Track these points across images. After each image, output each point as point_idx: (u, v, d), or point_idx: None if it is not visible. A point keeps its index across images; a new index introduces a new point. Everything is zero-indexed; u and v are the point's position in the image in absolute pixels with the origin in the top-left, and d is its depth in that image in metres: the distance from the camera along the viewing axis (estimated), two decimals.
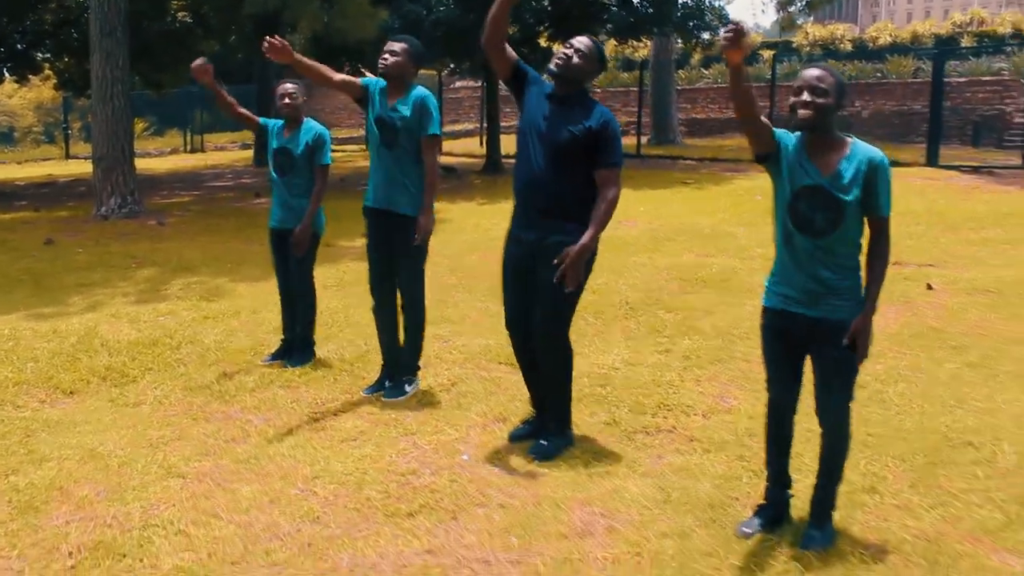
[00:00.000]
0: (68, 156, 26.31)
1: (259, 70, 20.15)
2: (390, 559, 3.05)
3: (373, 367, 5.02)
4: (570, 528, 3.25)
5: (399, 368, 4.73)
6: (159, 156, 26.57)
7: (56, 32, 17.21)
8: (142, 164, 20.80)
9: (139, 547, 3.14)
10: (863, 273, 3.02)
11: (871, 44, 31.43)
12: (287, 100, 5.15)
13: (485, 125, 19.58)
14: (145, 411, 4.58)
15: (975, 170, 15.91)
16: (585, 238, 3.69)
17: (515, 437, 4.06)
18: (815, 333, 3.01)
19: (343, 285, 7.44)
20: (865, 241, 3.03)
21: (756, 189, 13.32)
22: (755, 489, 3.47)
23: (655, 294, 6.88)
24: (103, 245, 9.96)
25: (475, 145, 24.02)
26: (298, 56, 4.35)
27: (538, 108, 3.84)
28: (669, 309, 6.43)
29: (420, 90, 4.51)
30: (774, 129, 3.02)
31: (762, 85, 25.08)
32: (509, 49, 3.90)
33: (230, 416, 4.47)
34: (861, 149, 2.95)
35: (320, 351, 5.46)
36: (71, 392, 4.89)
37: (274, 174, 5.27)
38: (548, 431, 3.98)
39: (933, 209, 11.24)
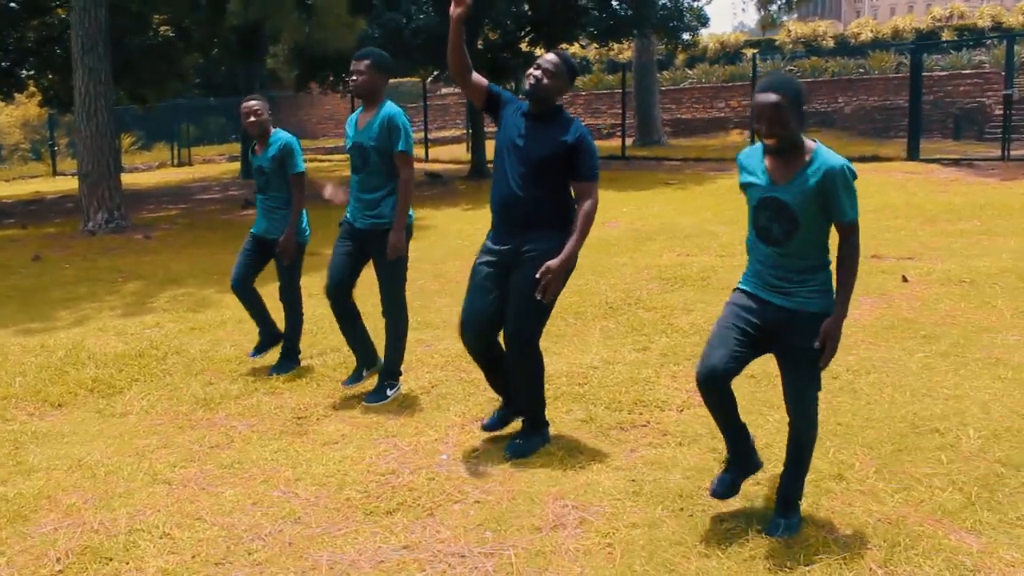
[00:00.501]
0: (55, 173, 26.36)
1: (244, 82, 20.21)
2: (368, 555, 3.15)
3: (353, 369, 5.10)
4: (543, 521, 3.35)
5: (381, 373, 4.83)
6: (147, 170, 26.63)
7: (39, 49, 17.28)
8: (130, 179, 20.88)
9: (125, 551, 3.23)
10: (834, 268, 3.08)
11: (853, 40, 31.67)
12: (252, 118, 5.17)
13: (470, 131, 19.70)
14: (132, 421, 4.66)
15: (955, 163, 16.09)
16: (566, 252, 3.77)
17: (488, 427, 4.18)
18: (785, 322, 3.05)
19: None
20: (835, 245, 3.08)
21: (737, 187, 13.44)
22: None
23: (635, 293, 6.98)
24: (90, 260, 10.04)
25: (461, 151, 24.14)
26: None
27: (513, 126, 3.93)
28: (648, 308, 6.53)
29: (389, 107, 4.59)
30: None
31: (743, 84, 25.33)
32: (477, 76, 4.02)
33: (215, 423, 4.56)
34: (821, 157, 2.97)
35: (305, 358, 5.55)
36: (59, 404, 4.97)
37: (257, 190, 5.41)
38: (523, 430, 4.08)
39: (912, 202, 11.38)
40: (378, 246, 4.61)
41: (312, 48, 12.79)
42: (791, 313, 3.05)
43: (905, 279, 7.01)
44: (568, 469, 3.81)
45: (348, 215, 4.76)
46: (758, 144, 3.15)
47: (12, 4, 16.89)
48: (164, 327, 6.60)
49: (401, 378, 4.93)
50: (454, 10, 3.84)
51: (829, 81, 26.25)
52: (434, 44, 15.70)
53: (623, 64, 26.94)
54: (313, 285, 7.90)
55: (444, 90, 32.18)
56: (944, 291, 6.63)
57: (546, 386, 4.82)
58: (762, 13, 24.56)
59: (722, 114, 27.09)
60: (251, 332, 6.31)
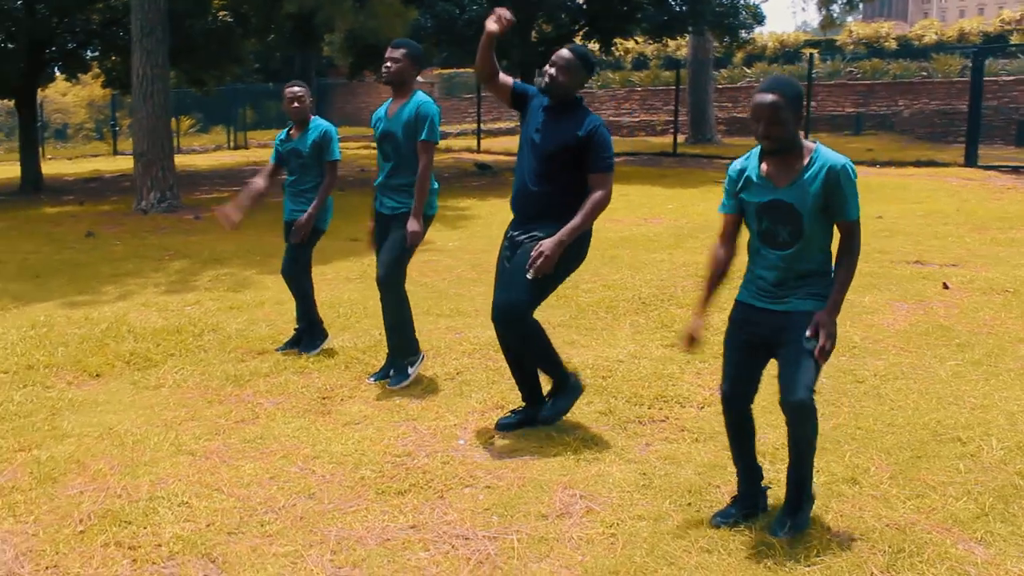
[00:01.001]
0: (116, 152, 27.03)
1: (299, 69, 20.50)
2: (375, 533, 3.22)
3: (384, 355, 5.18)
4: (550, 509, 3.39)
5: (397, 357, 4.88)
6: (203, 152, 27.15)
7: (103, 31, 17.73)
8: (186, 160, 21.37)
9: (144, 516, 3.35)
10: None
11: (916, 42, 30.99)
12: (295, 104, 5.31)
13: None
14: (164, 393, 4.81)
15: (1014, 170, 15.68)
16: (562, 231, 3.82)
17: (502, 426, 4.18)
18: (782, 326, 3.05)
19: (365, 278, 7.64)
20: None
21: None
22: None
23: (669, 290, 6.97)
24: (140, 238, 10.31)
25: (514, 143, 24.20)
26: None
27: (533, 121, 4.00)
28: (680, 305, 6.52)
29: (420, 96, 4.68)
30: (731, 214, 3.17)
31: (801, 84, 24.85)
32: (503, 77, 4.11)
33: (243, 399, 4.68)
34: (823, 156, 2.96)
35: (336, 340, 5.66)
36: (97, 375, 5.15)
37: (287, 174, 5.49)
38: (551, 391, 4.15)
39: (964, 209, 11.15)
40: (396, 222, 4.69)
41: (364, 36, 12.96)
42: (785, 315, 3.05)
43: (946, 286, 6.89)
44: (581, 460, 3.84)
45: (377, 205, 4.86)
46: (752, 151, 3.13)
47: None
48: (204, 304, 6.77)
49: (422, 352, 4.96)
50: (491, 26, 3.90)
51: (889, 83, 25.74)
52: None
53: (679, 61, 26.71)
54: (352, 270, 8.05)
55: None
56: (985, 300, 6.50)
57: None
58: (823, 13, 24.11)
59: None
60: (287, 314, 6.44)
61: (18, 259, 9.03)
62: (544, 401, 4.19)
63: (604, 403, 4.54)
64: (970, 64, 20.96)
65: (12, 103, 18.52)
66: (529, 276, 3.84)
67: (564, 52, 3.95)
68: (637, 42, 24.65)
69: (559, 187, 3.89)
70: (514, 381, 4.31)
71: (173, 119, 18.25)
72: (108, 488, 3.60)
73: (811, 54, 21.12)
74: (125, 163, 21.85)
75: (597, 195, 3.88)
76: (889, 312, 6.24)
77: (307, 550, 3.11)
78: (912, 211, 11.15)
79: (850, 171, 2.97)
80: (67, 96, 38.79)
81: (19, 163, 17.42)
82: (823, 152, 2.98)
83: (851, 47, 31.54)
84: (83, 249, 9.59)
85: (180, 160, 13.59)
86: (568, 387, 4.13)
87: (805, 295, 3.05)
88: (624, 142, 24.57)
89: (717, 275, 3.28)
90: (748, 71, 29.52)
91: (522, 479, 3.65)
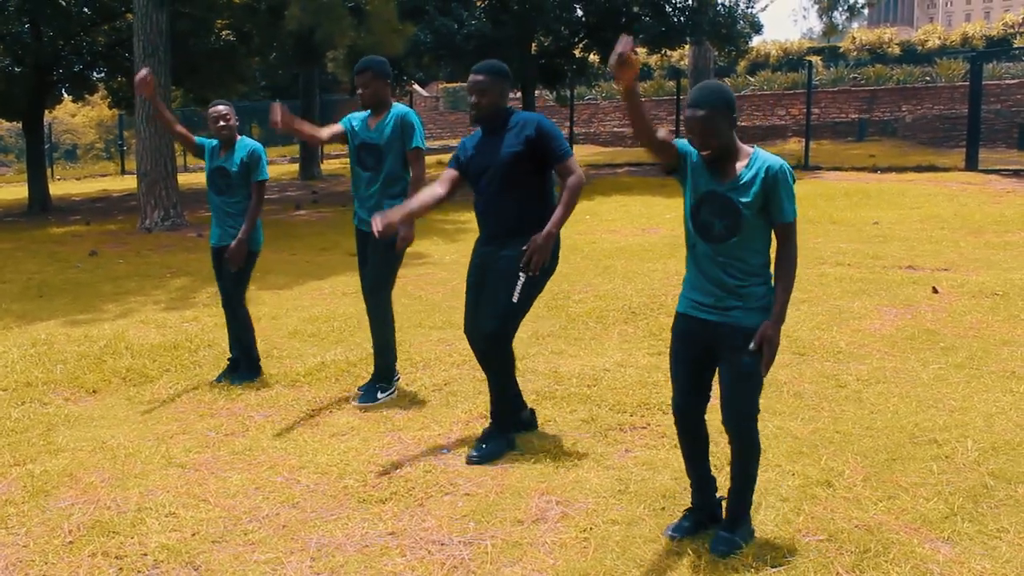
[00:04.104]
0: (123, 171, 27.34)
1: (303, 85, 20.73)
2: (355, 540, 3.31)
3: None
4: (526, 514, 3.46)
5: (375, 374, 4.94)
6: None
7: (109, 53, 17.98)
8: (192, 179, 21.55)
9: (131, 527, 3.44)
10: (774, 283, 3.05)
11: (920, 47, 31.02)
12: (221, 123, 5.19)
13: None
14: (157, 408, 4.91)
15: (1015, 173, 15.70)
16: (551, 224, 3.86)
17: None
18: (723, 340, 3.03)
19: (360, 292, 7.73)
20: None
21: None
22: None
23: (660, 299, 7.04)
24: (143, 256, 10.46)
25: None
26: (297, 126, 4.60)
27: (472, 145, 4.06)
28: (670, 314, 6.55)
29: (400, 107, 4.77)
30: (677, 142, 3.06)
31: (804, 92, 25.00)
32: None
33: (234, 412, 4.78)
34: (761, 157, 3.00)
35: (328, 353, 5.76)
36: (93, 391, 5.26)
37: (212, 194, 5.31)
38: (489, 432, 4.11)
39: (961, 213, 11.18)
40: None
41: (364, 52, 13.12)
42: (729, 328, 3.01)
43: (935, 290, 6.94)
44: (560, 466, 3.91)
45: (356, 221, 4.92)
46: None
47: (85, 10, 17.62)
48: (201, 321, 6.89)
49: (397, 380, 5.03)
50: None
51: (892, 89, 25.75)
52: (486, 49, 15.94)
53: (682, 71, 26.82)
54: (349, 284, 8.15)
55: None
56: (973, 303, 6.55)
57: (556, 387, 4.96)
58: (824, 20, 24.18)
59: (782, 122, 26.76)
60: (282, 328, 6.56)
61: (23, 279, 9.18)
62: (524, 407, 4.26)
63: (587, 411, 4.61)
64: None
65: (20, 125, 18.77)
66: (532, 272, 3.85)
67: (473, 76, 3.97)
68: (636, 53, 24.79)
69: (523, 195, 3.93)
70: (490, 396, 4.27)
71: None
72: (98, 500, 3.70)
73: (809, 62, 21.17)
74: (132, 182, 22.04)
75: (571, 181, 3.90)
76: (876, 317, 6.30)
77: (288, 557, 3.20)
78: (909, 216, 11.19)
79: (788, 172, 2.98)
80: (76, 117, 39.22)
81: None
82: (761, 154, 3.01)
83: (854, 54, 31.59)
84: (86, 268, 9.74)
85: (185, 179, 13.78)
86: (505, 438, 4.09)
87: (746, 310, 3.01)
88: (627, 153, 24.66)
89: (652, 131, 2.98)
90: (751, 79, 29.59)
91: (501, 486, 3.72)
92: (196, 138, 5.42)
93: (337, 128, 4.90)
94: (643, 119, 2.92)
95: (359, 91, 4.73)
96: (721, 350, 3.05)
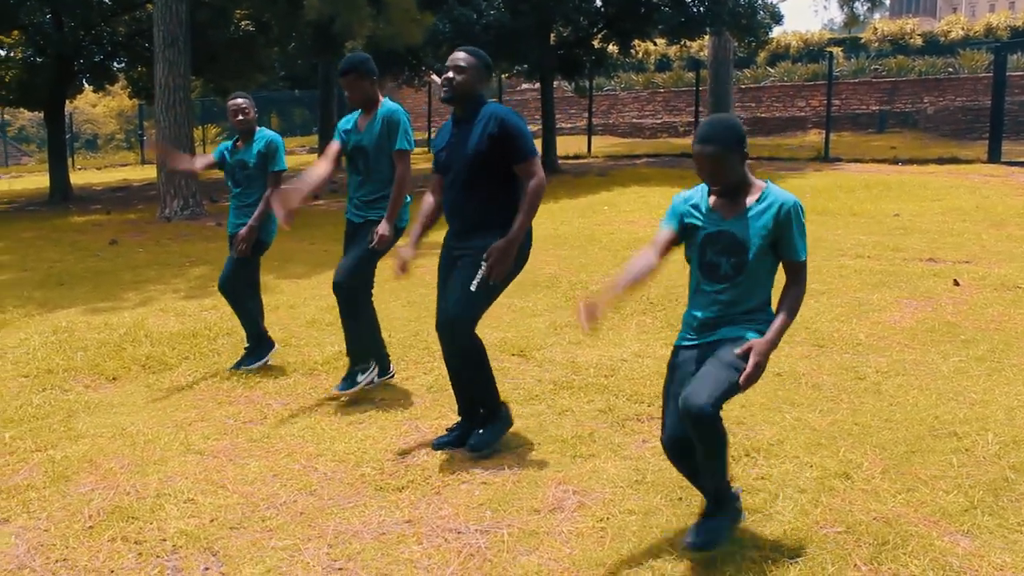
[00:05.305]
0: (144, 161, 27.48)
1: (322, 75, 20.73)
2: (372, 527, 3.32)
3: (391, 358, 5.28)
4: (543, 503, 3.46)
5: (352, 359, 4.84)
6: None
7: (129, 43, 18.08)
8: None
9: (150, 512, 3.47)
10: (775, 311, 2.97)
11: (942, 39, 30.69)
12: (240, 116, 5.22)
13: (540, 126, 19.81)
14: (176, 395, 4.95)
15: None
16: (512, 231, 3.79)
17: (438, 446, 4.03)
18: (712, 348, 2.95)
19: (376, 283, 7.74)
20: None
21: (806, 187, 13.27)
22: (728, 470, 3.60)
23: (676, 290, 7.00)
24: (163, 245, 10.54)
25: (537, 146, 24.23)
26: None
27: (444, 137, 4.03)
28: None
29: (387, 105, 4.64)
30: (671, 228, 3.00)
31: (825, 83, 24.82)
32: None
33: (252, 400, 4.81)
34: (774, 193, 2.93)
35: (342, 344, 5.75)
36: (113, 378, 5.30)
37: (232, 186, 5.36)
38: (482, 418, 4.04)
39: (983, 205, 11.07)
40: (364, 231, 4.63)
41: (383, 43, 13.12)
42: (718, 341, 2.96)
43: (956, 283, 6.87)
44: (577, 456, 3.91)
45: (348, 215, 4.82)
46: (698, 187, 3.05)
47: (106, 0, 17.73)
48: (220, 309, 6.91)
49: (373, 369, 4.87)
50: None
51: (914, 80, 25.52)
52: (505, 39, 15.91)
53: (701, 62, 26.66)
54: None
55: (524, 85, 32.32)
56: (995, 296, 6.48)
57: (573, 377, 4.96)
58: (844, 11, 23.96)
59: (802, 113, 26.58)
60: (300, 317, 6.59)
61: (44, 267, 9.27)
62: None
63: (605, 401, 4.61)
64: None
65: (42, 115, 18.92)
66: (490, 280, 3.81)
67: (460, 53, 3.92)
68: (655, 44, 24.65)
69: (488, 189, 3.86)
70: (455, 395, 4.17)
71: (200, 128, 18.36)
72: (118, 486, 3.73)
73: (830, 53, 21.00)
74: (152, 172, 22.24)
75: (531, 185, 3.81)
76: (896, 309, 6.25)
77: (305, 544, 3.22)
78: (930, 208, 11.09)
79: (800, 210, 2.91)
80: (97, 107, 39.47)
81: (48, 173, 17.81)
82: (773, 190, 2.95)
83: (876, 44, 31.29)
84: (107, 257, 9.82)
85: None
86: (499, 418, 4.05)
87: (739, 326, 2.94)
88: (646, 144, 24.58)
89: (635, 271, 2.98)
90: (771, 71, 29.38)
91: (518, 475, 3.73)
92: (213, 154, 5.51)
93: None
94: (641, 285, 3.09)
95: (346, 93, 4.62)
96: (708, 358, 2.95)
